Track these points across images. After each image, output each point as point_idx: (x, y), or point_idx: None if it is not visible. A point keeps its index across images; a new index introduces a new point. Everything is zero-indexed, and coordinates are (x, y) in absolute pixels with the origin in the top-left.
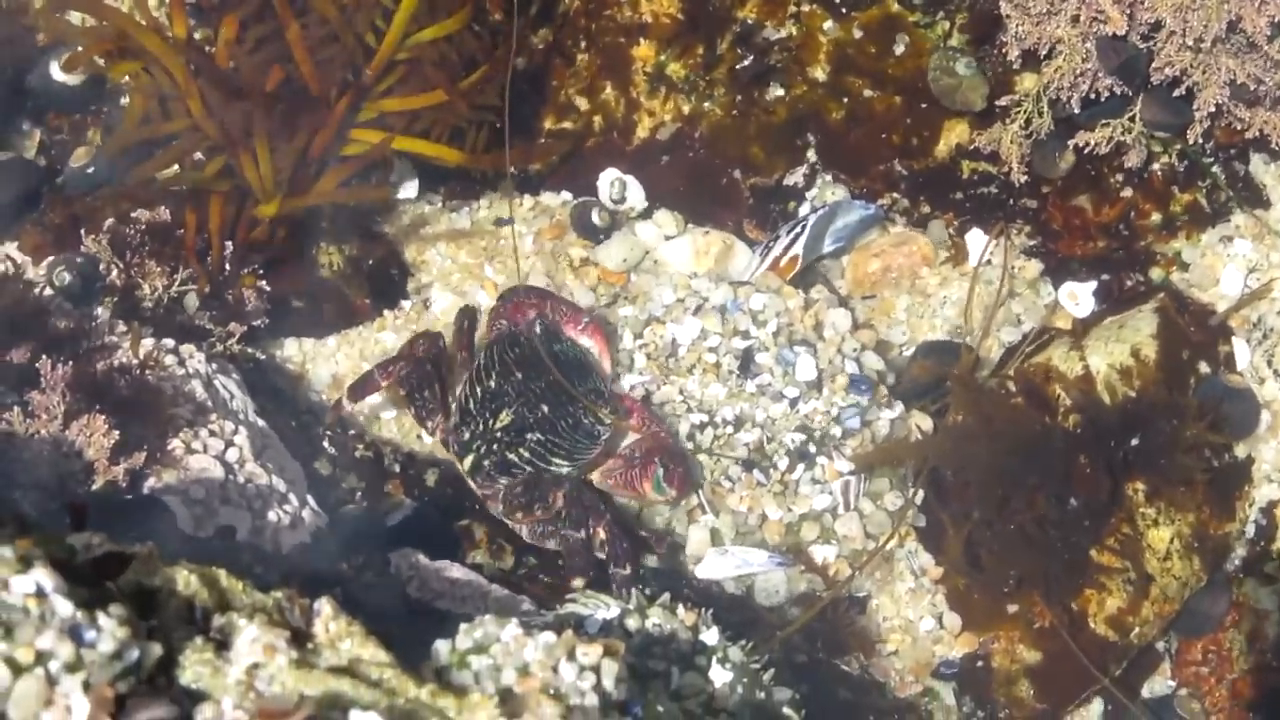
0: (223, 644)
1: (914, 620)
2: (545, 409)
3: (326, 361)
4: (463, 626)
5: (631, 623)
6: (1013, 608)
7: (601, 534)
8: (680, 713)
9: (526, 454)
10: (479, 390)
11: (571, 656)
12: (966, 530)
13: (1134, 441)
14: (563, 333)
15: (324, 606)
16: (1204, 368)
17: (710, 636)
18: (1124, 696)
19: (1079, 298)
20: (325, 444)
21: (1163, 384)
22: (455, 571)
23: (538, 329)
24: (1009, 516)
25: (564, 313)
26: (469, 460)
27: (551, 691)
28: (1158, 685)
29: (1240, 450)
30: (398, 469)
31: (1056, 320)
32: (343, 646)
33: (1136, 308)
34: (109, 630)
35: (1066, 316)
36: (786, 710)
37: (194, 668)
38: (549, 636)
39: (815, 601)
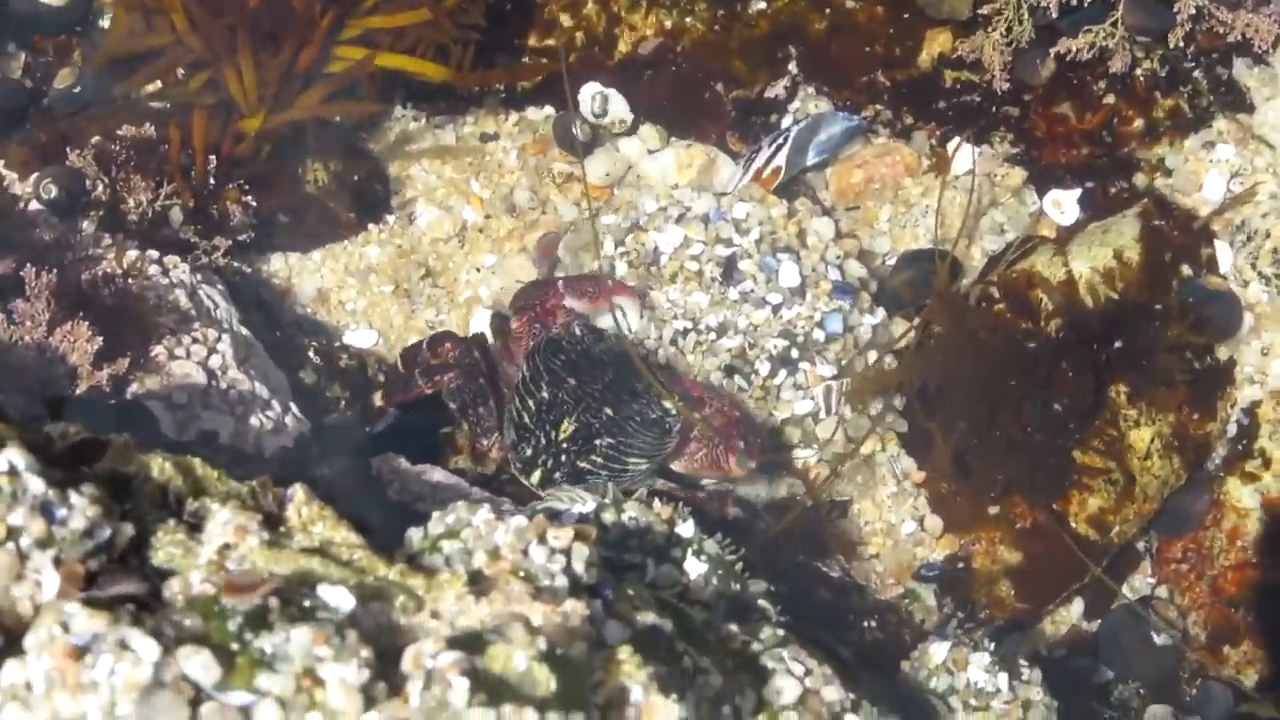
0: (195, 527)
1: (895, 524)
2: (609, 411)
3: (312, 275)
4: (435, 514)
5: (607, 516)
6: (994, 509)
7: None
8: (652, 598)
9: (600, 459)
10: (531, 403)
11: (542, 540)
12: (954, 441)
13: (1117, 344)
14: (602, 331)
15: (297, 492)
16: (1186, 271)
17: (686, 530)
18: (1111, 587)
19: (1064, 205)
20: (310, 354)
21: (1145, 286)
22: (437, 475)
23: (577, 331)
24: (995, 425)
25: (587, 290)
26: (537, 475)
27: (521, 573)
28: (1138, 583)
29: (1222, 352)
30: (381, 379)
31: (1041, 228)
32: (315, 530)
33: (1120, 213)
34: (80, 508)
35: (1051, 224)
36: (761, 603)
37: (166, 549)
38: (520, 520)
39: (798, 506)
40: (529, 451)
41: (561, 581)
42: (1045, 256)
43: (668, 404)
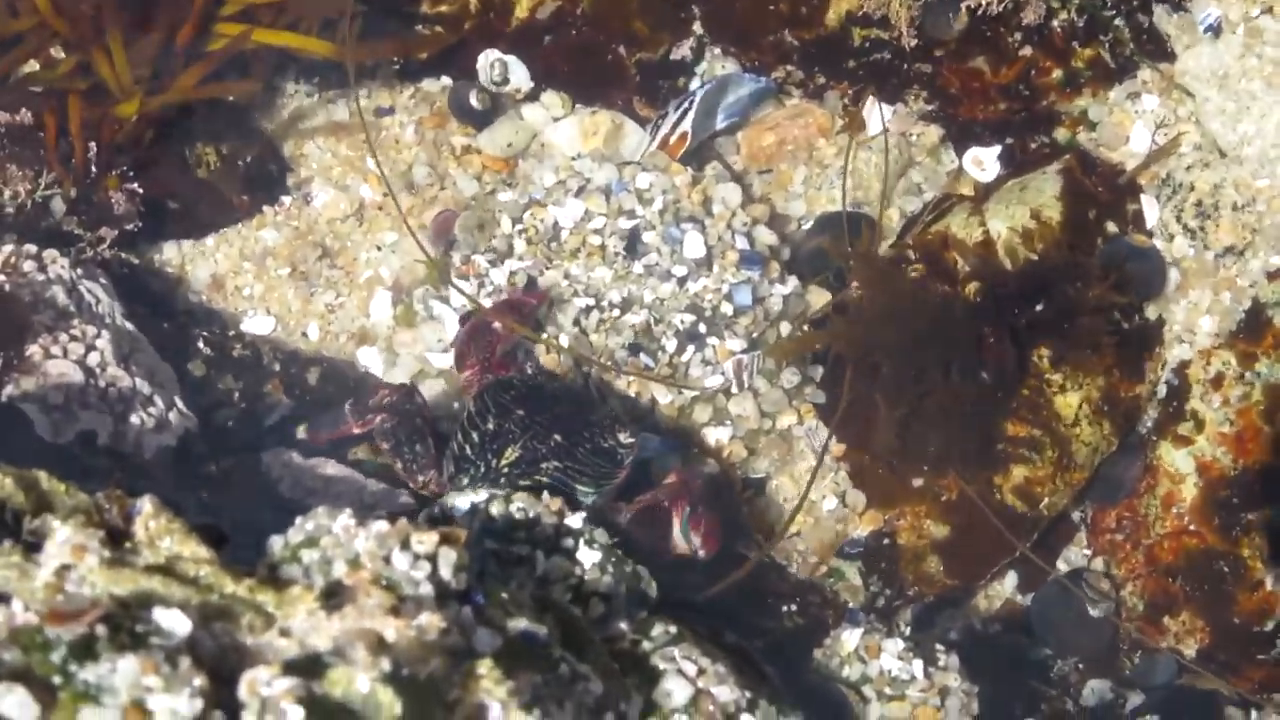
0: (35, 546)
1: (816, 500)
2: (558, 437)
3: (206, 262)
4: (297, 520)
5: (495, 509)
6: (918, 482)
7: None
8: (530, 600)
9: (545, 481)
10: (475, 435)
11: (406, 546)
12: (896, 414)
13: (1037, 307)
14: (554, 373)
15: (145, 505)
16: (1112, 228)
17: (575, 520)
18: (1039, 560)
19: (983, 163)
20: (201, 344)
21: (1065, 246)
22: (330, 469)
23: (529, 370)
24: (922, 394)
25: (516, 309)
26: None
27: (384, 582)
28: (1073, 555)
29: (1150, 311)
30: (277, 368)
31: (961, 187)
32: (162, 544)
33: (1040, 169)
34: None
35: (971, 183)
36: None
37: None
38: (381, 525)
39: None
40: (465, 480)
41: (426, 590)
42: (962, 217)
43: (622, 436)
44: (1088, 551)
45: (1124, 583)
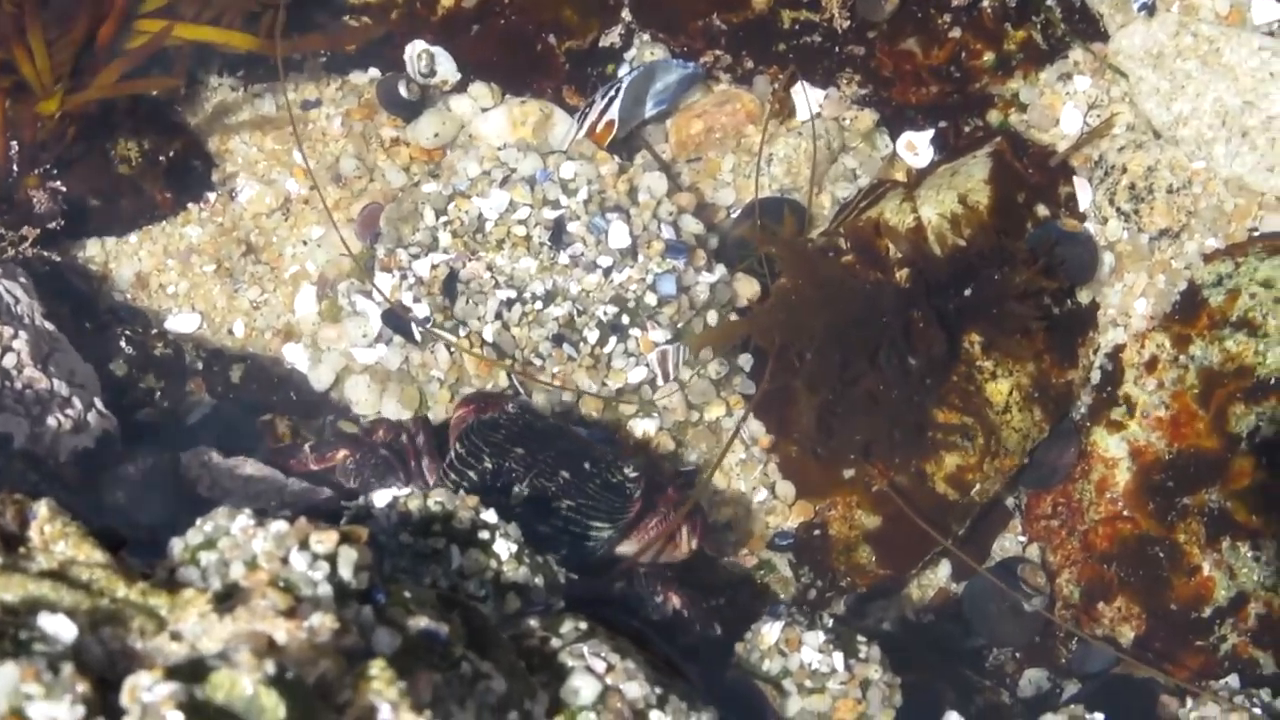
0: None
1: (746, 491)
2: (566, 474)
3: (130, 260)
4: (197, 521)
5: (413, 504)
6: (849, 472)
7: (675, 602)
8: (436, 597)
9: (560, 523)
10: (472, 474)
11: (305, 546)
12: (816, 402)
13: (966, 292)
14: (538, 410)
15: (40, 509)
16: (1043, 211)
17: (491, 515)
18: (966, 556)
19: (917, 147)
20: (123, 344)
21: (995, 230)
22: (249, 468)
23: (512, 409)
24: (850, 382)
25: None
26: None
27: (281, 583)
28: (1008, 543)
29: (1083, 296)
30: (200, 366)
31: (895, 172)
32: (57, 549)
33: (971, 154)
34: None
35: (905, 168)
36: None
37: None
38: (280, 526)
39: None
40: None
41: (325, 590)
42: (894, 202)
43: (628, 470)
44: (1023, 538)
45: (1059, 570)
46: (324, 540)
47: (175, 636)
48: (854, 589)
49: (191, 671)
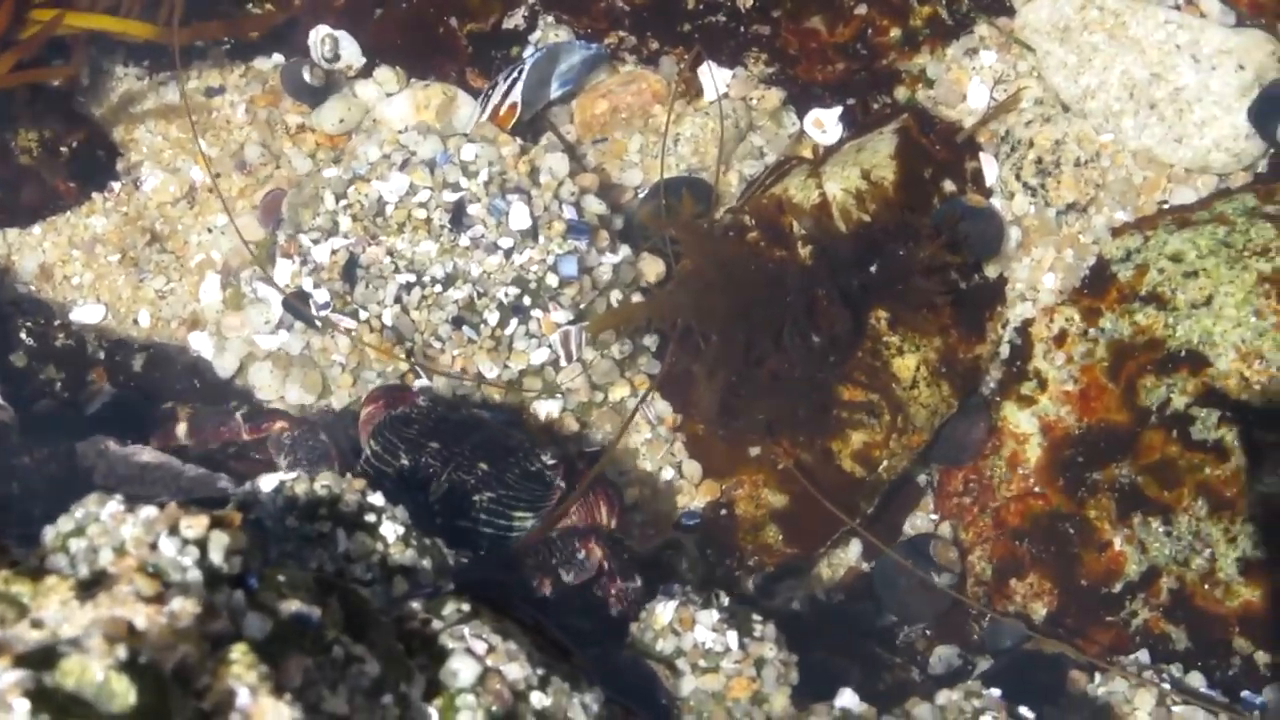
0: None
1: (652, 471)
2: (484, 466)
3: (33, 251)
4: (71, 507)
5: (300, 488)
6: (755, 451)
7: (598, 553)
8: (313, 581)
9: (483, 515)
10: (389, 471)
11: (175, 531)
12: (718, 382)
13: (871, 269)
14: (451, 401)
15: None
16: (950, 187)
17: (379, 498)
18: (872, 537)
19: (825, 125)
20: (23, 335)
21: (899, 206)
22: (146, 455)
23: (423, 403)
24: (754, 362)
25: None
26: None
27: (150, 569)
28: (920, 520)
29: (991, 270)
30: (102, 355)
31: (803, 150)
32: None
33: (878, 130)
34: None
35: (813, 145)
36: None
37: None
38: (150, 511)
39: None
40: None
41: (194, 575)
42: (799, 179)
43: (546, 457)
44: (935, 516)
45: (972, 547)
46: (194, 525)
47: (36, 624)
48: (762, 568)
49: (42, 658)
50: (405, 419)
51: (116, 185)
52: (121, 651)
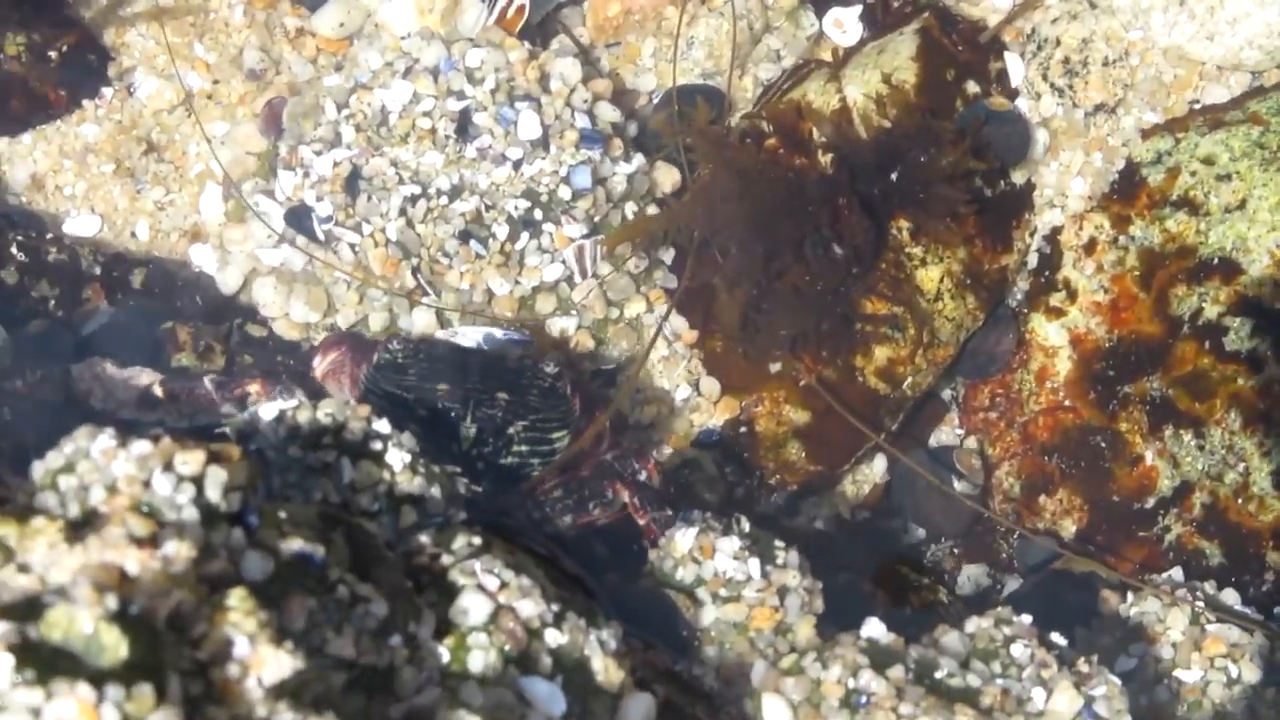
0: None
1: (669, 389)
2: (504, 396)
3: (23, 161)
4: (61, 441)
5: (302, 416)
6: (775, 367)
7: (625, 493)
8: (316, 516)
9: (525, 448)
10: (408, 429)
11: (169, 467)
12: (740, 295)
13: (893, 176)
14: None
15: None
16: (974, 89)
17: (383, 426)
18: (898, 451)
19: (845, 24)
20: (14, 250)
21: (921, 110)
22: (145, 378)
23: (396, 344)
24: (775, 274)
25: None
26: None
27: (144, 508)
28: (945, 436)
29: (1017, 176)
30: (98, 271)
31: (822, 52)
32: None
33: (899, 30)
34: None
35: (832, 47)
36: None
37: None
38: (143, 446)
39: None
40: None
41: (190, 514)
42: (818, 83)
43: (548, 368)
44: (960, 431)
45: (999, 463)
46: (190, 461)
47: (23, 569)
48: (784, 487)
49: (27, 609)
50: (395, 366)
51: (109, 92)
52: (112, 601)
